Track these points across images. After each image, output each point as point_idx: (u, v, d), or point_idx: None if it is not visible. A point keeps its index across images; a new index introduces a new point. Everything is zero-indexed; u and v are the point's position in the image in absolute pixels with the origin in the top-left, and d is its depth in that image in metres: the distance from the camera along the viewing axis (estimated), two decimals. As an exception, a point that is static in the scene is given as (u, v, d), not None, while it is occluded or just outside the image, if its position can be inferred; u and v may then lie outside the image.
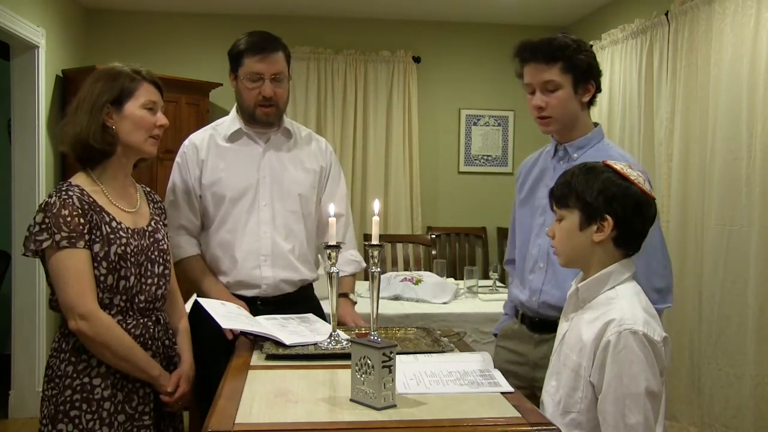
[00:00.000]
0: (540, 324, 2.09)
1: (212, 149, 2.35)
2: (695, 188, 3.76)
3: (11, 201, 4.29)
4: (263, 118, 2.31)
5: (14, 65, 4.29)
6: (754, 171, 3.31)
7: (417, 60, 5.62)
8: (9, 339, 4.35)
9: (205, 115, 5.08)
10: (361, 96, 5.55)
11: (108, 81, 1.88)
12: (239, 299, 2.26)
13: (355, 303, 2.41)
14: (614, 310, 1.57)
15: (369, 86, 5.56)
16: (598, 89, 2.07)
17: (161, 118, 1.95)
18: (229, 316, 2.00)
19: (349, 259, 2.45)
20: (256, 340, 1.94)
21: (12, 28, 3.93)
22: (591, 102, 2.08)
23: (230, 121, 2.39)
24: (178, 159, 2.39)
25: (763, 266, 3.26)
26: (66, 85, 4.69)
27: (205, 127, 2.44)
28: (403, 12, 5.44)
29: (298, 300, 2.36)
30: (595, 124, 2.12)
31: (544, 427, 1.38)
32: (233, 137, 2.36)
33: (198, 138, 2.39)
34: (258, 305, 2.29)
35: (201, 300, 2.07)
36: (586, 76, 2.03)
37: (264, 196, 2.32)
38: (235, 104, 2.39)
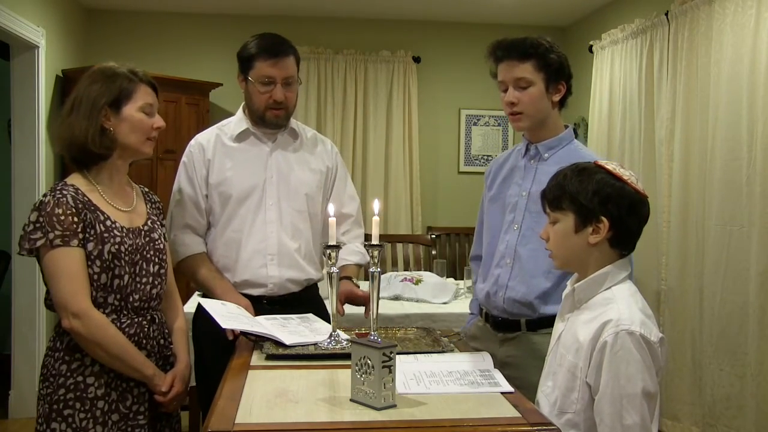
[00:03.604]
0: (503, 323, 2.11)
1: (219, 149, 2.36)
2: (696, 188, 3.76)
3: (11, 201, 4.29)
4: (273, 120, 2.33)
5: (14, 65, 4.29)
6: (755, 171, 3.31)
7: (417, 60, 5.62)
8: (9, 339, 4.35)
9: (205, 115, 5.09)
10: (361, 96, 5.55)
11: (105, 82, 1.87)
12: (245, 298, 2.27)
13: (358, 287, 2.41)
14: (611, 310, 1.56)
15: (369, 86, 5.56)
16: (569, 91, 2.12)
17: (158, 121, 1.94)
18: (229, 316, 2.00)
19: (354, 250, 2.46)
20: (257, 340, 1.94)
21: (12, 28, 3.93)
22: (562, 103, 2.13)
23: (237, 121, 2.40)
24: (184, 158, 2.39)
25: (764, 266, 3.25)
26: (66, 85, 4.69)
27: (210, 128, 2.45)
28: (403, 12, 5.44)
29: (304, 299, 2.36)
30: (566, 126, 2.16)
31: (544, 427, 1.38)
32: (240, 137, 2.37)
33: (204, 138, 2.40)
34: (264, 304, 2.30)
35: (201, 300, 2.07)
36: (557, 75, 2.07)
37: (271, 195, 2.34)
38: (242, 104, 2.41)
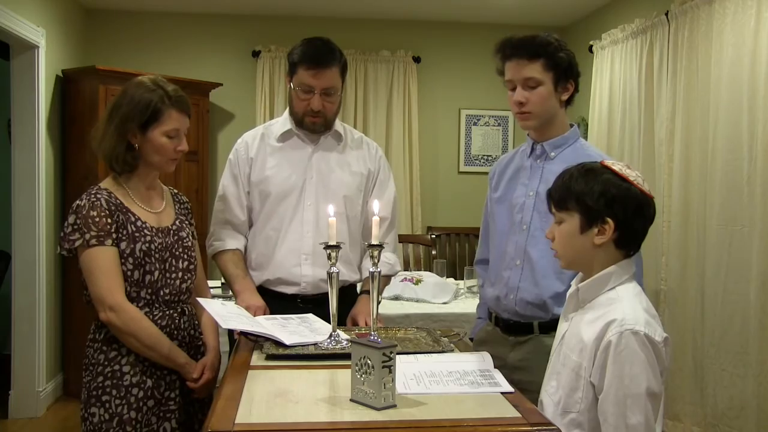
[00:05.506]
0: (515, 326, 2.09)
1: (263, 148, 2.42)
2: (696, 188, 3.76)
3: (11, 201, 4.29)
4: (310, 126, 2.38)
5: (14, 65, 4.29)
6: (755, 171, 3.31)
7: (417, 60, 5.62)
8: (9, 339, 4.35)
9: (205, 115, 5.07)
10: (361, 96, 5.55)
11: (140, 100, 1.96)
12: (261, 299, 2.29)
13: (379, 302, 2.40)
14: (615, 310, 1.56)
15: (369, 86, 5.56)
16: (576, 89, 2.10)
17: (181, 144, 2.04)
18: (229, 316, 2.00)
19: (383, 261, 2.44)
20: (257, 340, 1.94)
21: (12, 28, 3.92)
22: (569, 101, 2.11)
23: (282, 121, 2.46)
24: (230, 156, 2.47)
25: (765, 266, 3.25)
26: (66, 85, 4.69)
27: (258, 126, 2.53)
28: (403, 12, 5.44)
29: (339, 301, 2.34)
30: (571, 125, 2.14)
31: (545, 427, 1.38)
32: (284, 137, 2.43)
33: (250, 136, 2.48)
34: (298, 303, 2.34)
35: (201, 300, 2.08)
36: (566, 74, 2.05)
37: (309, 196, 2.38)
38: (288, 106, 2.45)
